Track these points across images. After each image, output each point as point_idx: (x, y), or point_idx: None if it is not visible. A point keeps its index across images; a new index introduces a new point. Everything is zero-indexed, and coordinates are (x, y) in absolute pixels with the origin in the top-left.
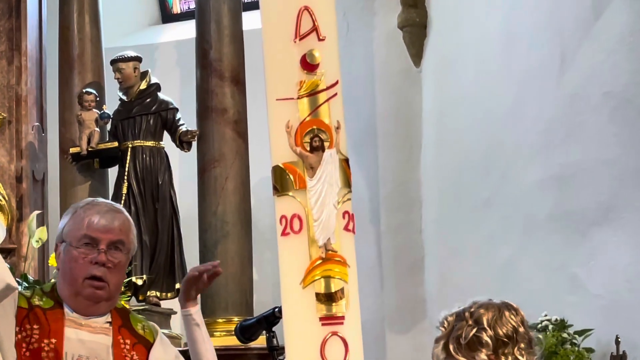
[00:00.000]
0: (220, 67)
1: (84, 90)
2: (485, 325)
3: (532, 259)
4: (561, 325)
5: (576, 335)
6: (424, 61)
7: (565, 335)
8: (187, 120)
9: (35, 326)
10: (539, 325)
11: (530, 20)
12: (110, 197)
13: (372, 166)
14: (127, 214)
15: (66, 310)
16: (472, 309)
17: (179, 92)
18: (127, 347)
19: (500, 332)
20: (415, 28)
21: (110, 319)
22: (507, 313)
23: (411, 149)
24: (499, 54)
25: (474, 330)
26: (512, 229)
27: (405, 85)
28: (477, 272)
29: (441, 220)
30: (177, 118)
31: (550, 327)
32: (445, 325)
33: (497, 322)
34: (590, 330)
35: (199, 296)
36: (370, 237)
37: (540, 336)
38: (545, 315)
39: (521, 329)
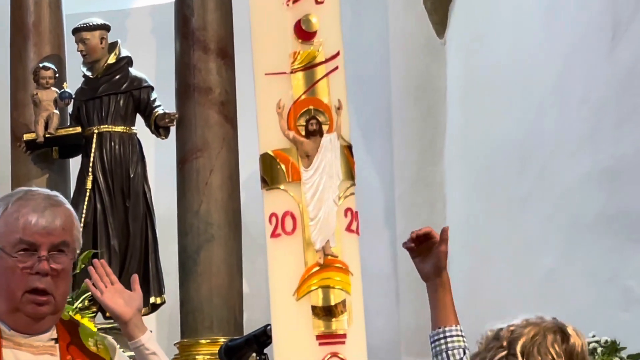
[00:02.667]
0: (204, 38)
1: (40, 65)
2: (518, 351)
3: (577, 268)
4: (612, 347)
5: None
6: (448, 31)
7: (616, 359)
8: (165, 101)
9: None
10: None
11: None
12: (71, 193)
13: (386, 158)
14: (67, 204)
15: (2, 328)
16: (514, 327)
17: (154, 67)
18: None
19: None
20: None
21: (55, 335)
22: (550, 338)
23: (433, 137)
24: (539, 24)
25: (502, 354)
26: (553, 233)
27: (426, 61)
28: (512, 285)
29: (469, 223)
30: (152, 98)
31: (600, 350)
32: (482, 342)
33: (532, 350)
34: None
35: (142, 319)
36: (384, 242)
37: None
38: (594, 336)
39: None
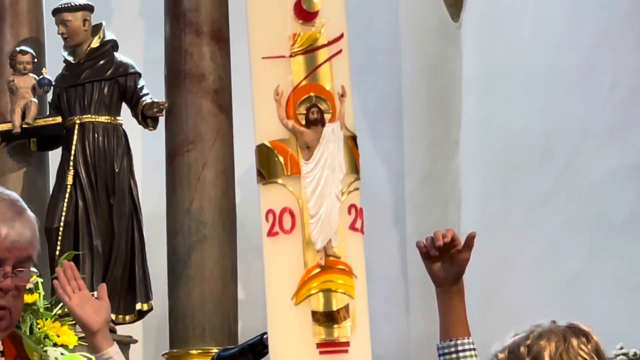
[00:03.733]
0: (197, 20)
1: (17, 49)
2: None
3: (604, 273)
4: None
5: None
6: (464, 14)
7: None
8: (153, 89)
9: None
10: None
11: None
12: (51, 189)
13: (396, 152)
14: (28, 209)
15: None
16: (529, 341)
17: (142, 51)
18: None
19: None
20: None
21: (1, 348)
22: (575, 342)
23: (447, 128)
24: (564, 5)
25: None
26: (579, 234)
27: (439, 46)
28: (533, 291)
29: (486, 223)
30: (139, 86)
31: None
32: None
33: (562, 358)
34: None
35: (108, 331)
36: (393, 243)
37: None
38: (621, 348)
39: None
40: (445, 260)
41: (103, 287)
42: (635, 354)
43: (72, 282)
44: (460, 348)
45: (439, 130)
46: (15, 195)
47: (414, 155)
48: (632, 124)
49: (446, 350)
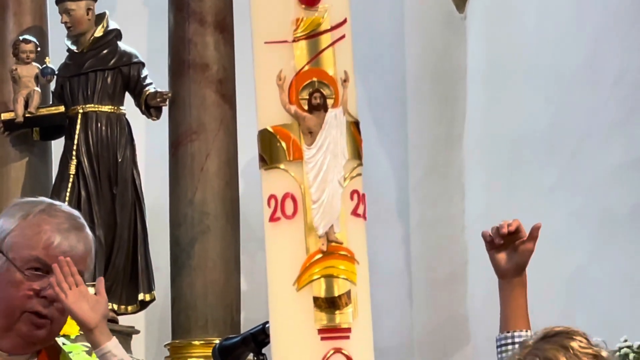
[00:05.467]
0: (201, 9)
1: (20, 38)
2: None
3: (609, 267)
4: None
5: None
6: (469, 5)
7: None
8: (157, 79)
9: None
10: (618, 353)
11: None
12: (53, 178)
13: (400, 142)
14: (87, 227)
15: None
16: (519, 357)
17: (145, 41)
18: None
19: None
20: None
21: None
22: (575, 344)
23: (451, 120)
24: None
25: None
26: (583, 228)
27: (444, 37)
28: (538, 284)
29: (490, 215)
30: (142, 75)
31: (632, 355)
32: None
33: None
34: None
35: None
36: (397, 236)
37: None
38: (625, 341)
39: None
40: (509, 250)
41: (101, 281)
42: (639, 346)
43: (68, 278)
44: (517, 340)
45: (444, 121)
46: (77, 212)
47: (419, 146)
48: (637, 118)
49: (503, 342)
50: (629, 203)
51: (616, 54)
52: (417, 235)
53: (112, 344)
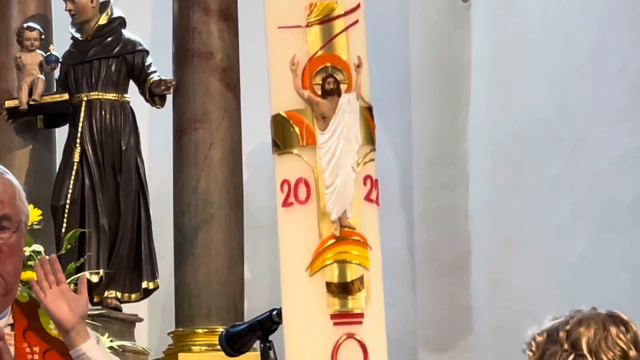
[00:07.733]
0: None
1: (24, 26)
2: (585, 351)
3: (612, 256)
4: None
5: None
6: None
7: None
8: (161, 67)
9: None
10: None
11: None
12: (57, 166)
13: (403, 132)
14: (8, 173)
15: None
16: (569, 326)
17: (149, 29)
18: (36, 356)
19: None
20: None
21: (12, 320)
22: (614, 330)
23: (456, 110)
24: None
25: (571, 357)
26: (587, 217)
27: (448, 27)
28: (540, 274)
29: (494, 205)
30: (147, 63)
31: None
32: (534, 349)
33: (600, 346)
34: None
35: (86, 326)
36: (400, 225)
37: None
38: None
39: (632, 353)
40: None
41: (83, 281)
42: None
43: (49, 277)
44: None
45: (448, 112)
46: None
47: (423, 137)
48: None
49: None
50: (633, 192)
51: (621, 44)
52: (420, 225)
53: (88, 346)
